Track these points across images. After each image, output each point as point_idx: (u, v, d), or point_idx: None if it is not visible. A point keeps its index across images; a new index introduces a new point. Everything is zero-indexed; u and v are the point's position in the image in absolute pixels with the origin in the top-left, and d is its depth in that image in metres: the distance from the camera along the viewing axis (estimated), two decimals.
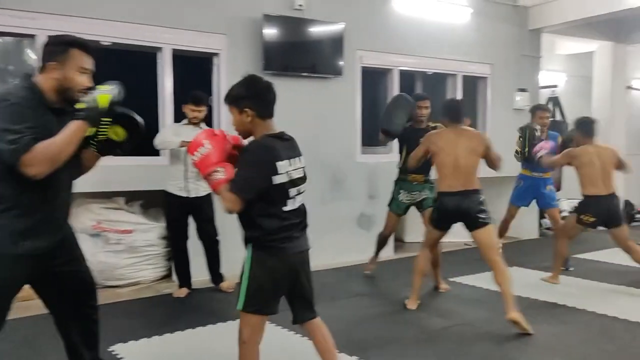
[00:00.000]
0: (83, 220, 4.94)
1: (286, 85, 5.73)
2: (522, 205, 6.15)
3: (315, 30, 5.80)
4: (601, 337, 3.71)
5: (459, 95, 7.19)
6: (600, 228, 5.12)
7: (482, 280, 5.25)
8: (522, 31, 7.54)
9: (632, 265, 5.86)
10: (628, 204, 9.03)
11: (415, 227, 7.31)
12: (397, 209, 5.13)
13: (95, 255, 4.91)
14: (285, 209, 2.43)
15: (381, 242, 5.41)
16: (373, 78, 6.76)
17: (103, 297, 4.66)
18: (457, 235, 7.28)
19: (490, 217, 4.05)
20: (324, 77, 5.97)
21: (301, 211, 2.55)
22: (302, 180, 2.53)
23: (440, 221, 4.20)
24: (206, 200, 4.69)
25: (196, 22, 5.26)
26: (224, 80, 5.41)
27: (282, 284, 2.50)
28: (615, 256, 6.37)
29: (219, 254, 4.83)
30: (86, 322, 2.55)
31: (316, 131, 5.95)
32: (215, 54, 5.44)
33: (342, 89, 6.12)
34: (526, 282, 5.23)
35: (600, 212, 4.85)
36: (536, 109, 6.04)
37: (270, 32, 5.48)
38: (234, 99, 2.50)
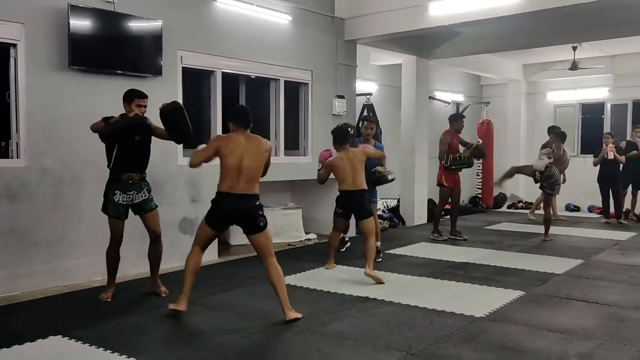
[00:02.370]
0: None
1: (98, 84, 5.36)
2: None
3: (131, 25, 5.49)
4: (403, 326, 4.07)
5: (282, 100, 7.38)
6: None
7: (303, 280, 5.46)
8: (339, 41, 7.99)
9: (433, 257, 6.59)
10: (431, 202, 10.09)
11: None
12: (116, 212, 4.59)
13: None
14: None
15: (109, 257, 4.71)
16: (196, 79, 6.62)
17: None
18: (281, 236, 7.55)
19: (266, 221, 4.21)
20: (142, 77, 5.68)
21: None
22: None
23: (216, 221, 4.23)
24: None
25: None
26: (22, 74, 4.87)
27: None
28: (421, 250, 7.11)
29: None
30: None
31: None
32: (12, 45, 4.86)
33: (161, 89, 5.87)
34: (341, 278, 5.55)
35: (348, 205, 5.71)
36: (362, 120, 6.80)
37: (78, 24, 5.05)
38: None
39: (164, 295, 4.79)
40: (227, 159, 4.12)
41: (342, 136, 5.80)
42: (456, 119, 7.97)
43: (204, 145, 4.36)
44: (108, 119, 4.52)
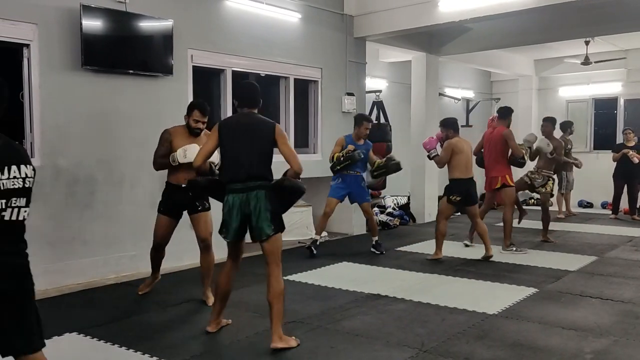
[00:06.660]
0: None
1: (110, 83, 5.40)
2: (338, 199, 6.63)
3: (142, 25, 5.52)
4: (415, 323, 4.07)
5: (292, 98, 7.38)
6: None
7: (314, 277, 5.47)
8: (348, 38, 7.98)
9: (444, 254, 6.56)
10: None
11: None
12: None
13: None
14: None
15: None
16: (206, 78, 6.64)
17: None
18: (291, 234, 7.56)
19: None
20: (153, 76, 5.72)
21: (9, 227, 2.26)
22: (17, 192, 2.24)
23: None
24: None
25: (0, 8, 4.69)
26: (36, 74, 4.91)
27: None
28: (432, 247, 7.06)
29: None
30: None
31: (146, 132, 5.66)
32: (25, 45, 4.90)
33: (172, 88, 5.92)
34: (353, 276, 5.56)
35: (464, 191, 6.09)
36: (362, 119, 6.61)
37: (90, 24, 5.08)
38: None
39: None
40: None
41: (456, 125, 6.22)
42: (510, 113, 6.97)
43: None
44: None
